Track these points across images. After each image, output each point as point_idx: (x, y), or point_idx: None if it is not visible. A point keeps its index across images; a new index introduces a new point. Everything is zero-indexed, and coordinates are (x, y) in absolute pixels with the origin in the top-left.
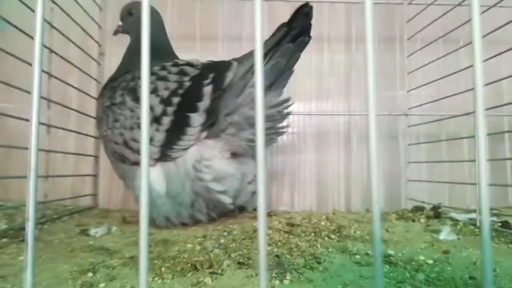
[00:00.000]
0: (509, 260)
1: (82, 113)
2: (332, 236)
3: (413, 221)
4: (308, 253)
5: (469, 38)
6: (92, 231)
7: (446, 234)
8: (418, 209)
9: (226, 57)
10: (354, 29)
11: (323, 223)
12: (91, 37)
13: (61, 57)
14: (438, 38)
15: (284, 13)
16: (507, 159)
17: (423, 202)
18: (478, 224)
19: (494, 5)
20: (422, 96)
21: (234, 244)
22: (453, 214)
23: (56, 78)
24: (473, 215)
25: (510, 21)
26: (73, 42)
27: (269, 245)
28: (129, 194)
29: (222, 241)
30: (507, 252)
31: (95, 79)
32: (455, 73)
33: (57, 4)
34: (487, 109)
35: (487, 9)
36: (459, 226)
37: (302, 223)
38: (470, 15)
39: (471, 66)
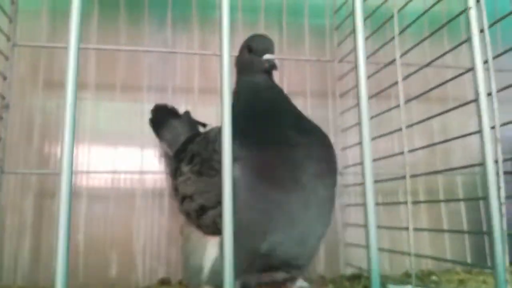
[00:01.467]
0: None
1: None
2: None
3: None
4: None
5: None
6: None
7: None
8: (356, 277)
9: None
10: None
11: None
12: None
13: None
14: (372, 96)
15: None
16: (439, 231)
17: (360, 268)
18: None
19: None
20: (358, 154)
21: None
22: (391, 286)
23: None
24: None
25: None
26: None
27: None
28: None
29: None
30: None
31: None
32: (388, 134)
33: None
34: (424, 173)
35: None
36: None
37: None
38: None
39: (410, 125)
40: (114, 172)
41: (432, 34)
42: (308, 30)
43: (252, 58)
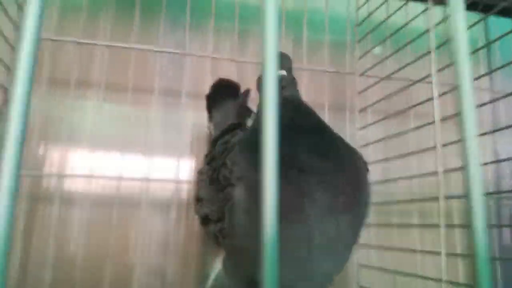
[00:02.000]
0: None
1: None
2: None
3: None
4: None
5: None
6: None
7: None
8: None
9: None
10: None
11: None
12: None
13: None
14: (389, 115)
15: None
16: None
17: None
18: None
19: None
20: (376, 171)
21: None
22: None
23: None
24: None
25: None
26: None
27: None
28: None
29: None
30: None
31: None
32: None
33: None
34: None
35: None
36: None
37: None
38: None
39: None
40: (108, 178)
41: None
42: (328, 42)
43: None
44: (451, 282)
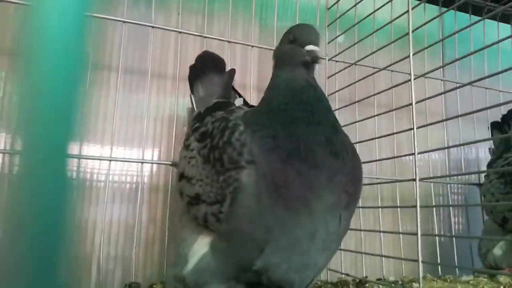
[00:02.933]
0: None
1: None
2: None
3: None
4: None
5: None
6: None
7: None
8: (343, 283)
9: None
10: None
11: None
12: None
13: None
14: (354, 102)
15: None
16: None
17: (347, 274)
18: None
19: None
20: None
21: None
22: None
23: None
24: None
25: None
26: None
27: None
28: None
29: None
30: None
31: None
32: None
33: None
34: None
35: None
36: None
37: None
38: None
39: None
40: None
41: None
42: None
43: (293, 48)
44: (428, 263)
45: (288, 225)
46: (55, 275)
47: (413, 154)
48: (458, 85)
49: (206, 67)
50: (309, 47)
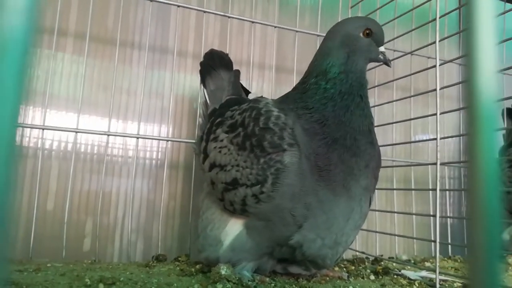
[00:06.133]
0: None
1: None
2: None
3: (362, 277)
4: None
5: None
6: None
7: None
8: (360, 260)
9: None
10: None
11: None
12: None
13: None
14: (376, 85)
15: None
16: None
17: (363, 252)
18: (437, 286)
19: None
20: None
21: None
22: (405, 272)
23: None
24: (423, 273)
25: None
26: None
27: None
28: None
29: None
30: None
31: None
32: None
33: None
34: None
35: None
36: (415, 287)
37: None
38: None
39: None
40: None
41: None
42: (320, 5)
43: (371, 44)
44: (445, 243)
45: (328, 205)
46: None
47: (435, 139)
48: None
49: (215, 64)
50: (382, 49)
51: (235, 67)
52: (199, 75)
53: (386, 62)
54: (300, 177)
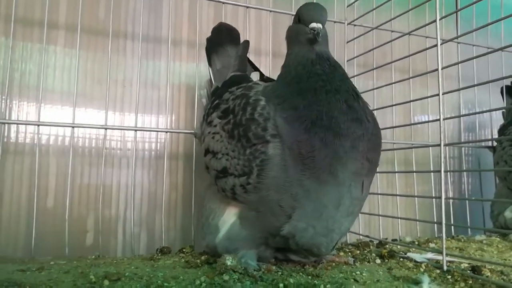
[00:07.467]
0: None
1: None
2: None
3: (368, 262)
4: None
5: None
6: None
7: (428, 286)
8: (365, 244)
9: None
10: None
11: None
12: None
13: None
14: (376, 67)
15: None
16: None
17: (367, 236)
18: (444, 268)
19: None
20: None
21: None
22: (411, 254)
23: None
24: (429, 255)
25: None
26: None
27: None
28: None
29: None
30: None
31: None
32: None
33: None
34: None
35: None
36: (421, 269)
37: None
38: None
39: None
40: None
41: None
42: None
43: (298, 27)
44: (452, 225)
45: (314, 193)
46: None
47: (438, 120)
48: (489, 50)
49: (222, 39)
50: (312, 25)
51: None
52: (197, 58)
53: (315, 37)
54: (283, 169)
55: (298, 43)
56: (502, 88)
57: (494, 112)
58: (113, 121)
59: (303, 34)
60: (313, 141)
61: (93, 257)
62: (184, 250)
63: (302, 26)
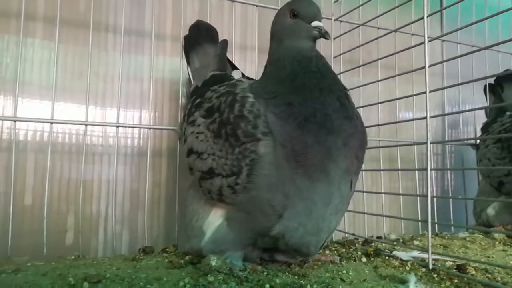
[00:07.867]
0: None
1: None
2: None
3: (354, 260)
4: None
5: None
6: None
7: (414, 285)
8: (349, 243)
9: None
10: None
11: None
12: None
13: None
14: (363, 64)
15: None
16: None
17: (352, 234)
18: (430, 266)
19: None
20: None
21: None
22: (396, 253)
23: None
24: (414, 253)
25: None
26: None
27: None
28: None
29: None
30: None
31: None
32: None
33: None
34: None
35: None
36: (407, 268)
37: None
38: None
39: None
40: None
41: None
42: None
43: (299, 24)
44: (439, 223)
45: (307, 192)
46: None
47: (425, 118)
48: (474, 48)
49: (200, 37)
50: (316, 23)
51: None
52: (182, 52)
53: (322, 35)
54: (276, 166)
55: (295, 39)
56: (485, 86)
57: None
58: (94, 117)
59: (306, 31)
60: (306, 138)
61: (73, 257)
62: (167, 249)
63: (303, 23)
